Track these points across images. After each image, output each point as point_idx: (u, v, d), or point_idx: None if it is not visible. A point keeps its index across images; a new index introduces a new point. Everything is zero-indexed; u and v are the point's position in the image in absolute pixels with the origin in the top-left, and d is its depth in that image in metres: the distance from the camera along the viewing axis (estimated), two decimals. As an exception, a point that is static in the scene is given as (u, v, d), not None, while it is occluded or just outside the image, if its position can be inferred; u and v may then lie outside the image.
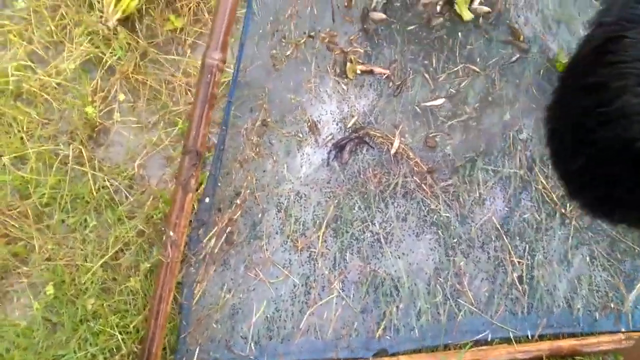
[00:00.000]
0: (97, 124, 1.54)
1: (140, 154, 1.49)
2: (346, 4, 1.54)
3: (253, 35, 1.39)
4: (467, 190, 1.36)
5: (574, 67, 0.48)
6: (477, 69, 1.50)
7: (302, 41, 1.44)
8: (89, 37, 1.59)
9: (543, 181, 1.36)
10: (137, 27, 1.60)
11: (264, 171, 1.37)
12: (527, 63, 1.49)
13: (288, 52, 1.42)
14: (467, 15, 1.55)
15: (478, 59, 1.52)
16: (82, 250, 1.43)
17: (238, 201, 1.34)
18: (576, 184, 0.50)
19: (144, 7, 1.61)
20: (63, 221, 1.47)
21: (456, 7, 1.54)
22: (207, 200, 1.29)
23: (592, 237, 1.31)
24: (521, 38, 1.51)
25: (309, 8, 1.45)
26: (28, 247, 1.43)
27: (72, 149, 1.52)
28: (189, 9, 1.65)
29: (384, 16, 1.58)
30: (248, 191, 1.35)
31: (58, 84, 1.58)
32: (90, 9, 1.62)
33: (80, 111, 1.54)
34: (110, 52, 1.58)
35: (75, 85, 1.57)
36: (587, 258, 1.30)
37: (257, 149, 1.35)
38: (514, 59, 1.50)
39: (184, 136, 1.14)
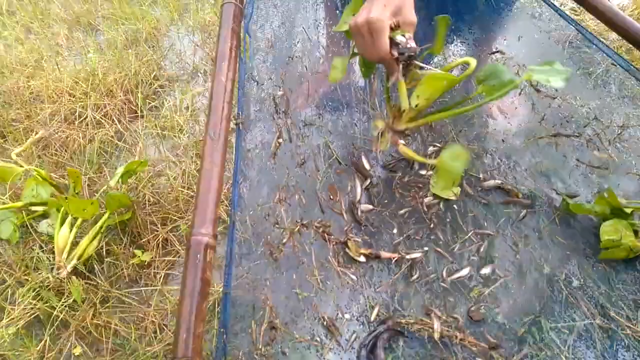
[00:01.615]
0: (43, 395, 1.14)
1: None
2: (331, 197, 1.44)
3: (244, 215, 1.20)
4: (550, 357, 1.04)
5: None
6: (490, 232, 1.36)
7: (296, 229, 1.26)
8: (36, 292, 1.31)
9: (628, 324, 1.09)
10: (97, 268, 1.36)
11: (283, 394, 1.00)
12: (537, 215, 1.38)
13: (284, 240, 1.22)
14: (450, 194, 1.48)
15: (485, 223, 1.39)
16: None
17: None
18: None
19: (104, 248, 1.41)
20: None
21: (434, 191, 1.48)
22: None
23: None
24: (519, 196, 1.43)
25: (297, 196, 1.33)
26: None
27: None
28: (157, 242, 1.46)
29: (371, 207, 1.48)
30: None
31: (-7, 356, 1.22)
32: (38, 261, 1.39)
33: (21, 384, 1.15)
34: (62, 304, 1.29)
35: (17, 351, 1.21)
36: None
37: (270, 363, 1.01)
38: (522, 215, 1.39)
39: (172, 345, 0.82)
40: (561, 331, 1.10)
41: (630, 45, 1.44)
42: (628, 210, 1.25)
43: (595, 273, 1.22)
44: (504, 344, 1.09)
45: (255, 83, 1.25)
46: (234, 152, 1.00)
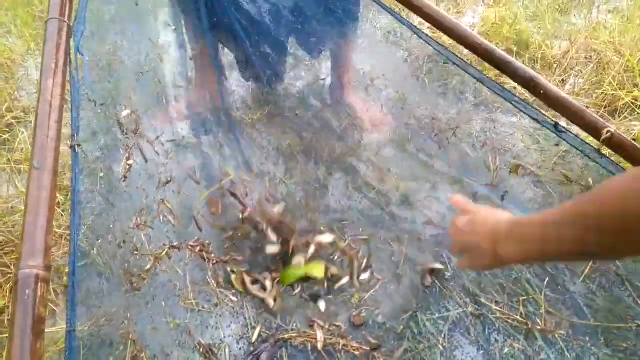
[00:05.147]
0: None
1: None
2: (213, 210, 1.37)
3: (91, 242, 1.09)
4: (428, 347, 1.06)
5: None
6: (366, 237, 1.38)
7: (164, 253, 1.17)
8: None
9: (496, 308, 1.15)
10: None
11: None
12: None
13: (147, 267, 1.13)
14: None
15: (361, 229, 1.41)
16: None
17: None
18: None
19: None
20: None
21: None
22: None
23: (587, 341, 1.07)
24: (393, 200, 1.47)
25: (161, 217, 1.24)
26: None
27: None
28: (10, 285, 1.30)
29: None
30: None
31: None
32: None
33: None
34: None
35: None
36: (600, 365, 1.03)
37: (138, 402, 0.91)
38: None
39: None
40: (437, 322, 1.13)
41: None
42: None
43: (464, 264, 1.27)
44: (385, 343, 1.09)
45: (94, 103, 1.16)
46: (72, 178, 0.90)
